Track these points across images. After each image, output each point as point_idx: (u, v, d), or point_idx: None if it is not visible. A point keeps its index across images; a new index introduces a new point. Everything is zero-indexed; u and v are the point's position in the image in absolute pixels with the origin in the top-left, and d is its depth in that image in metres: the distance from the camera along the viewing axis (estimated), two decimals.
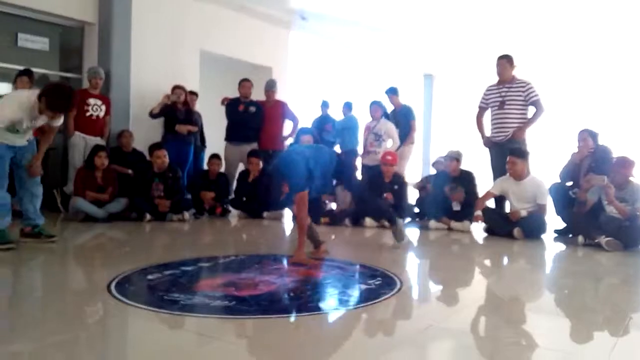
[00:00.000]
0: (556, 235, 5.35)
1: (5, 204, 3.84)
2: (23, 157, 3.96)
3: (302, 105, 9.18)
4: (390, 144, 6.58)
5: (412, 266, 4.23)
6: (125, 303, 2.55)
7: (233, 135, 6.72)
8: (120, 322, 2.45)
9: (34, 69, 5.89)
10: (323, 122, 7.83)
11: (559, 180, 5.53)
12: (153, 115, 6.36)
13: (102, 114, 6.05)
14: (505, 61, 5.66)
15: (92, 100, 5.98)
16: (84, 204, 5.33)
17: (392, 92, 7.17)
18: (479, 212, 5.30)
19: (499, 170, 5.59)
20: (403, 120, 6.97)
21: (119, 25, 6.54)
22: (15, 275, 3.36)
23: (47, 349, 2.01)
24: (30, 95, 3.78)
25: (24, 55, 6.31)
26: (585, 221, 4.84)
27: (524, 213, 5.12)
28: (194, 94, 6.99)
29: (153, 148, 5.84)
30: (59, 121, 3.98)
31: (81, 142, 5.91)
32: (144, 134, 6.48)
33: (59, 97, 3.73)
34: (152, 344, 2.16)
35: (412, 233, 5.52)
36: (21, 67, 5.78)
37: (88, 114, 5.94)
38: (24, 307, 2.62)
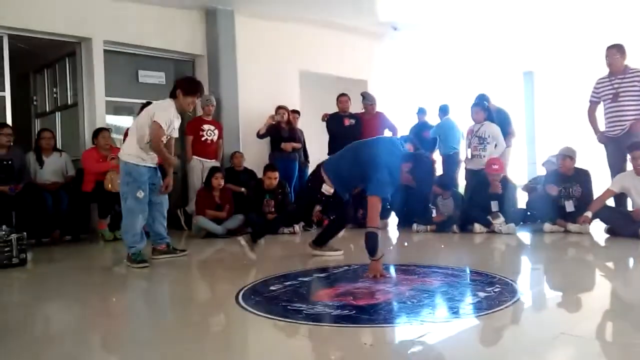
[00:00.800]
0: None
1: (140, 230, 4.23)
2: (154, 181, 4.31)
3: (399, 114, 9.22)
4: (494, 147, 6.36)
5: (530, 272, 4.10)
6: (254, 313, 2.71)
7: (335, 148, 6.89)
8: (251, 331, 2.62)
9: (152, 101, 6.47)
10: (421, 129, 7.82)
11: None
12: (260, 135, 6.74)
13: (215, 138, 6.53)
14: (615, 50, 5.34)
15: (206, 126, 6.47)
16: (205, 222, 5.76)
17: (481, 101, 6.85)
18: (588, 214, 5.01)
19: (617, 167, 5.27)
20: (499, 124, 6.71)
21: (226, 55, 7.05)
22: (154, 289, 3.73)
23: (192, 352, 2.21)
24: (163, 102, 4.21)
25: (144, 90, 6.96)
26: None
27: None
28: (296, 112, 7.29)
29: (267, 168, 6.19)
30: (176, 132, 4.31)
31: (199, 165, 6.40)
32: (253, 153, 6.90)
33: (192, 81, 4.29)
34: (288, 352, 2.28)
35: (525, 237, 5.35)
36: (141, 101, 6.38)
37: (203, 138, 6.43)
38: (165, 317, 2.89)
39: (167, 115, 4.10)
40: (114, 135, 6.47)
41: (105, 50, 6.46)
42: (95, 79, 6.35)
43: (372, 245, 3.49)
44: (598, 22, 8.27)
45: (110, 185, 5.60)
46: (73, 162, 6.07)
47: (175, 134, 4.32)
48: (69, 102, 6.92)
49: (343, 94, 7.02)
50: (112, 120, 6.92)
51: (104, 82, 6.43)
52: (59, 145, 6.46)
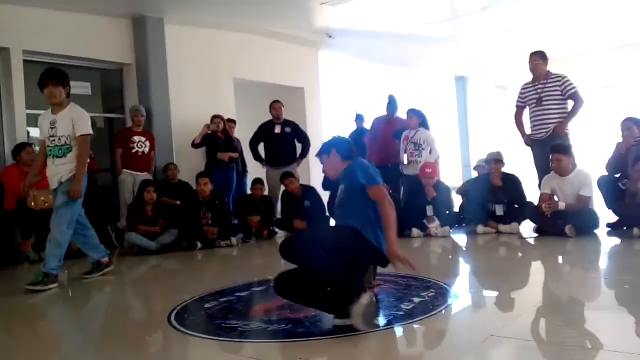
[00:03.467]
0: (609, 229, 5.20)
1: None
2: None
3: (337, 121, 9.31)
4: (429, 153, 6.47)
5: (464, 274, 4.19)
6: (186, 333, 2.61)
7: (271, 158, 6.85)
8: (182, 352, 2.52)
9: None
10: (359, 135, 7.86)
11: (605, 173, 5.38)
12: (195, 145, 6.57)
13: (147, 149, 6.30)
14: (537, 57, 5.60)
15: (136, 138, 6.24)
16: (137, 238, 5.53)
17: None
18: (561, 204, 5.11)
19: (542, 168, 5.51)
20: None
21: (155, 63, 6.82)
22: (84, 311, 3.53)
23: None
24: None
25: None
26: (639, 212, 4.70)
27: (562, 205, 5.01)
28: (232, 121, 7.18)
29: (198, 176, 6.04)
30: (82, 128, 4.00)
31: (129, 179, 6.16)
32: (188, 164, 6.71)
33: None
34: None
35: (459, 239, 5.48)
36: None
37: (134, 150, 6.21)
38: (87, 340, 2.74)
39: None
40: (37, 149, 6.12)
41: (25, 61, 6.11)
42: (14, 91, 5.98)
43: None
44: (524, 30, 8.65)
45: (33, 203, 5.26)
46: None
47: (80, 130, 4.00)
48: None
49: (276, 100, 6.98)
50: (36, 133, 6.54)
51: (24, 94, 6.07)
52: None
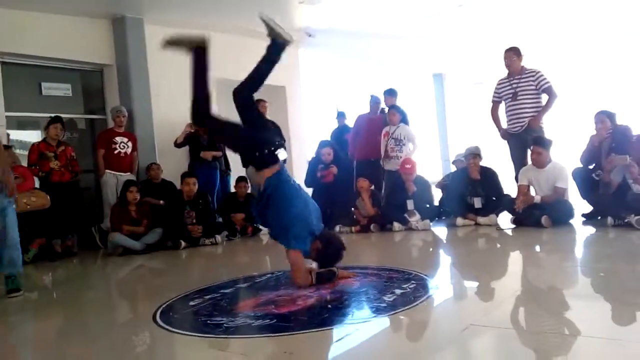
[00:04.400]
0: (584, 219, 5.34)
1: None
2: None
3: (318, 119, 9.35)
4: (411, 147, 6.58)
5: (445, 266, 4.28)
6: (172, 331, 2.63)
7: None
8: (169, 351, 2.53)
9: (60, 115, 6.14)
10: (341, 132, 7.92)
11: (580, 165, 5.53)
12: (177, 145, 6.58)
13: (129, 150, 6.30)
14: (512, 53, 5.72)
15: (118, 139, 6.23)
16: (122, 239, 5.54)
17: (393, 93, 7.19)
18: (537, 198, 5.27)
19: (519, 161, 5.64)
20: None
21: (136, 64, 6.80)
22: (63, 311, 3.52)
23: None
24: None
25: (49, 103, 6.59)
26: (613, 202, 4.84)
27: (537, 199, 5.15)
28: None
29: (184, 175, 6.07)
30: None
31: (112, 180, 6.16)
32: (172, 164, 6.71)
33: None
34: None
35: (440, 232, 5.58)
36: (47, 115, 6.04)
37: (116, 151, 6.20)
38: (73, 341, 2.74)
39: None
40: (18, 152, 6.08)
41: (3, 63, 6.06)
42: None
43: (326, 279, 3.33)
44: (500, 27, 8.77)
45: (14, 206, 5.24)
46: None
47: None
48: None
49: (262, 100, 6.98)
50: (17, 135, 6.50)
51: (3, 97, 6.02)
52: None
